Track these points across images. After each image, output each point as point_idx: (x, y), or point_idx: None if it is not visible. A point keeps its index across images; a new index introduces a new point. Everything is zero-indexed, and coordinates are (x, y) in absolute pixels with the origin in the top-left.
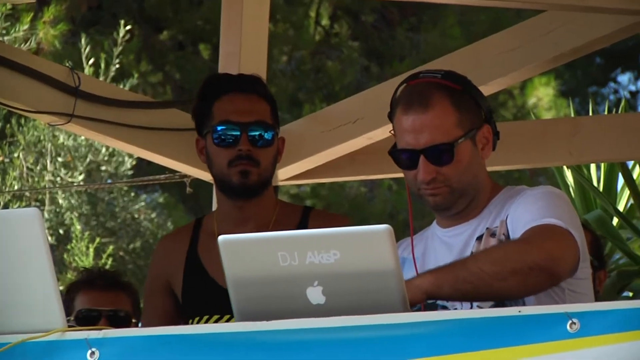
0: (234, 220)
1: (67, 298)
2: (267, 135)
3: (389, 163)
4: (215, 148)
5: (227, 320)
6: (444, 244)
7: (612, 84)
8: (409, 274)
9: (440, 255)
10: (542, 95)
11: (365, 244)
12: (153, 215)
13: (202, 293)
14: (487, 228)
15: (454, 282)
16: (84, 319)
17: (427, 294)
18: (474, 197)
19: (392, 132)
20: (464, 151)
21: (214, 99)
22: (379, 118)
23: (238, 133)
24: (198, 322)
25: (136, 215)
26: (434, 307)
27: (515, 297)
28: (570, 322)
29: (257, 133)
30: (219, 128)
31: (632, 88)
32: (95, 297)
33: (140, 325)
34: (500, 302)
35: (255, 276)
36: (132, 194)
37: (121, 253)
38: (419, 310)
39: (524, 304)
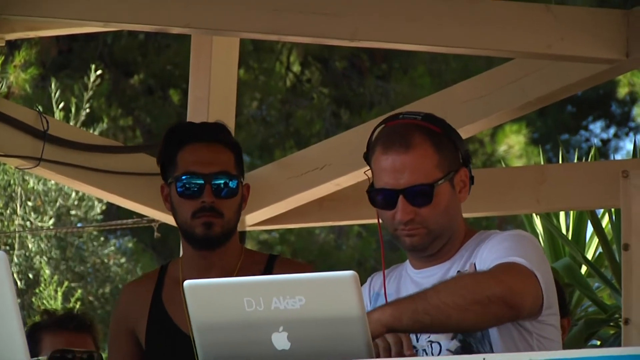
0: (198, 268)
1: (33, 339)
2: (231, 185)
3: (356, 209)
4: (178, 198)
5: None
6: (416, 285)
7: (583, 132)
8: None
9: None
10: (513, 143)
11: (331, 290)
12: (122, 260)
13: (165, 340)
14: (459, 271)
15: (413, 314)
16: None
17: (386, 326)
18: (449, 240)
19: (369, 172)
20: (442, 193)
21: (178, 149)
22: (346, 164)
23: (201, 183)
24: None
25: (105, 260)
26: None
27: (474, 328)
28: None
29: (220, 182)
30: (183, 178)
31: (604, 136)
32: (67, 338)
33: None
34: (464, 343)
35: (220, 321)
36: (102, 239)
37: (90, 298)
38: None
39: (490, 346)
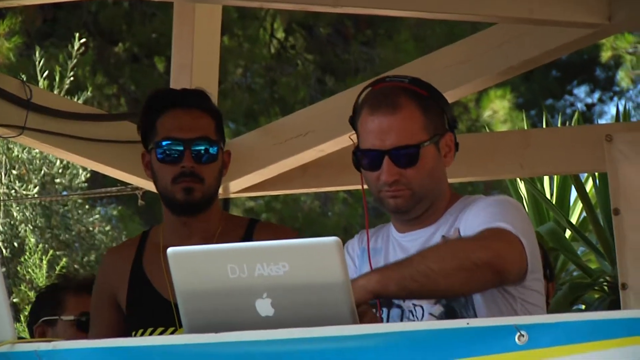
0: (179, 234)
1: (54, 299)
2: (211, 151)
3: (340, 175)
4: (159, 164)
5: (172, 333)
6: (402, 248)
7: (568, 97)
8: (365, 266)
9: (398, 257)
10: (498, 108)
11: (314, 257)
12: (107, 228)
13: (146, 305)
14: (443, 236)
15: (400, 280)
16: None
17: (372, 293)
18: (433, 203)
19: (353, 136)
20: (428, 155)
21: (158, 115)
22: (330, 131)
23: (181, 149)
24: (142, 335)
25: (91, 228)
26: (389, 304)
27: (461, 293)
28: (518, 334)
29: (200, 148)
30: (163, 144)
31: (589, 100)
32: (90, 301)
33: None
34: (448, 308)
35: (204, 288)
36: (87, 207)
37: (75, 266)
38: (374, 305)
39: (474, 311)
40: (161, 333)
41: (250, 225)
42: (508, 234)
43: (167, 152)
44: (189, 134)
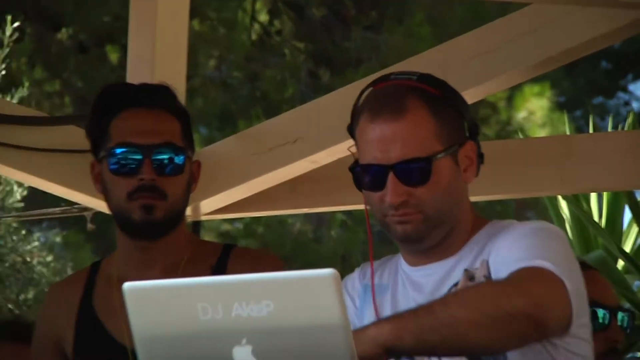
0: (137, 264)
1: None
2: (177, 160)
3: (337, 193)
4: (111, 176)
5: None
6: (412, 285)
7: (621, 94)
8: (368, 307)
9: (409, 296)
10: (535, 109)
11: (305, 293)
12: (49, 258)
13: (97, 352)
14: (466, 270)
15: (418, 332)
16: None
17: (384, 347)
18: (452, 230)
19: (353, 147)
20: (442, 170)
21: (111, 116)
22: (324, 137)
23: (140, 158)
24: None
25: (28, 259)
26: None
27: (493, 350)
28: None
29: (164, 157)
30: (117, 152)
31: None
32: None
33: None
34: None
35: (168, 333)
36: (23, 232)
37: (10, 305)
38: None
39: (505, 358)
40: None
41: (224, 253)
42: (550, 276)
43: (122, 161)
44: (150, 140)
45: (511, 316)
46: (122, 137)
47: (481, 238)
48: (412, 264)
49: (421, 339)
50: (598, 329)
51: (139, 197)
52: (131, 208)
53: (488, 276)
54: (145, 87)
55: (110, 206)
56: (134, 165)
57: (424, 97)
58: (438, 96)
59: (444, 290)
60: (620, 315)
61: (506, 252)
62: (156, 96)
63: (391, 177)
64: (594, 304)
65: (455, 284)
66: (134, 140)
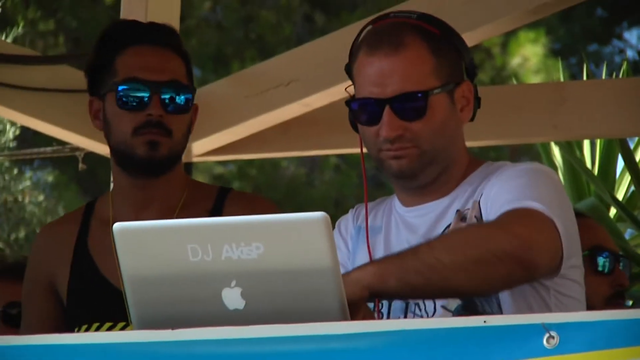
0: (133, 203)
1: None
2: (183, 99)
3: (330, 136)
4: (117, 111)
5: (122, 329)
6: (406, 225)
7: (616, 42)
8: (361, 250)
9: (402, 237)
10: (529, 55)
11: (295, 236)
12: (40, 197)
13: (91, 295)
14: (458, 210)
15: (402, 274)
16: None
17: (369, 289)
18: (446, 168)
19: (350, 88)
20: (439, 106)
21: (118, 51)
22: (318, 80)
23: (147, 94)
24: (86, 331)
25: (20, 198)
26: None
27: (479, 293)
28: (547, 335)
29: (171, 95)
30: (124, 87)
31: None
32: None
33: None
34: (467, 300)
35: (158, 274)
36: (15, 171)
37: (0, 244)
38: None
39: (499, 305)
40: (109, 329)
41: (220, 196)
42: (539, 217)
43: (130, 96)
44: (158, 77)
45: (496, 258)
46: (129, 72)
47: (475, 179)
48: (406, 204)
49: (404, 282)
50: (606, 272)
51: (145, 132)
52: (136, 143)
53: (479, 217)
54: (153, 26)
55: (111, 142)
56: (140, 101)
57: (422, 34)
58: (437, 34)
59: (438, 231)
60: (622, 261)
61: (496, 194)
62: (163, 35)
63: (387, 111)
64: (598, 248)
65: (449, 225)
66: (142, 76)
